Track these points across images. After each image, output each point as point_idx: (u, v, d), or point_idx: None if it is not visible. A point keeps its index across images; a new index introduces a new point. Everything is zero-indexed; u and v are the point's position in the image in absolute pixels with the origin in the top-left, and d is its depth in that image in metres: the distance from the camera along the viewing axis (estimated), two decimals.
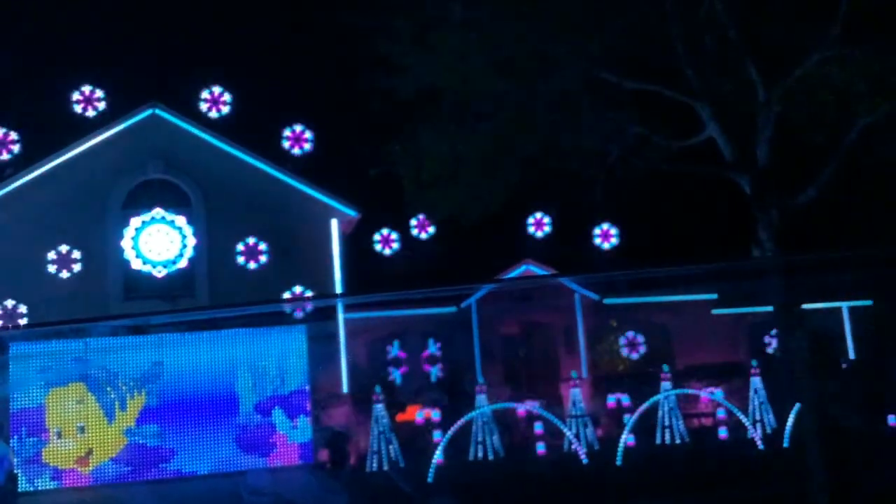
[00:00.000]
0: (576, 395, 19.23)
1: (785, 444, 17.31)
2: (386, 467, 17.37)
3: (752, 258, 12.54)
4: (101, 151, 20.77)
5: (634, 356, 23.16)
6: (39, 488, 17.35)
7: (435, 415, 18.79)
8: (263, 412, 18.49)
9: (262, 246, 20.66)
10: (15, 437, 17.37)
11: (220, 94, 21.73)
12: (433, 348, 21.86)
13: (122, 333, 18.07)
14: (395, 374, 21.38)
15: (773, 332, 22.21)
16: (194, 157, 21.00)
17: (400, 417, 19.43)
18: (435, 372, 21.58)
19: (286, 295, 20.33)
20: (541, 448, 18.29)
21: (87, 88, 21.30)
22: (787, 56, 12.25)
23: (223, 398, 18.33)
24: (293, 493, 16.07)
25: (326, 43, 20.05)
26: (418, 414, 19.17)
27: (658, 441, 18.92)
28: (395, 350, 21.79)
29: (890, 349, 20.59)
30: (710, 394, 19.43)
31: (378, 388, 18.08)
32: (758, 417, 19.29)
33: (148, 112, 21.05)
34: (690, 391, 19.83)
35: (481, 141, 12.56)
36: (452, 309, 22.22)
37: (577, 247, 23.48)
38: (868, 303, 24.48)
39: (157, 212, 20.37)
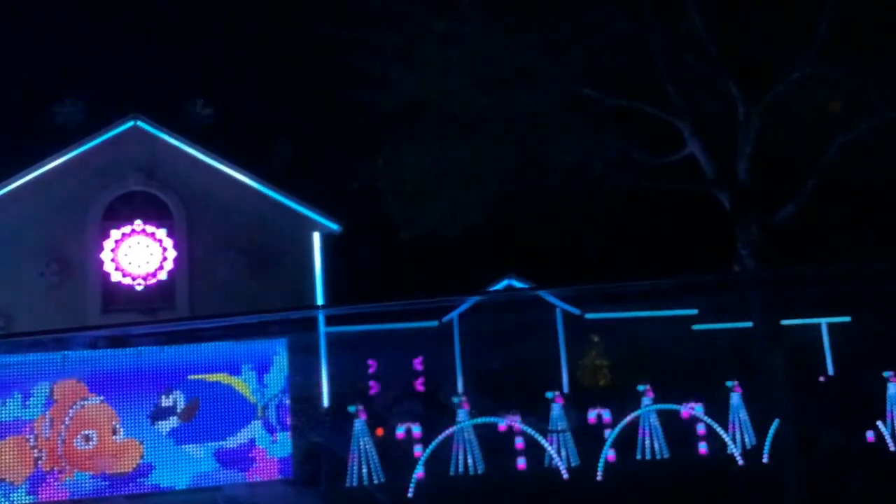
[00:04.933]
0: (556, 411, 19.23)
1: (764, 460, 17.37)
2: (366, 482, 17.29)
3: (732, 272, 12.64)
4: (82, 163, 20.63)
5: (615, 371, 23.19)
6: (15, 502, 17.15)
7: (416, 429, 18.74)
8: (243, 427, 18.36)
9: (244, 259, 20.56)
10: None
11: (203, 106, 21.66)
12: (414, 363, 21.80)
13: (102, 346, 17.92)
14: (376, 389, 21.30)
15: (753, 347, 22.29)
16: (176, 169, 20.91)
17: (380, 432, 19.35)
18: (416, 386, 21.52)
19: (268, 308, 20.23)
20: (521, 463, 18.26)
21: (67, 99, 21.18)
22: (767, 73, 12.39)
23: (203, 412, 18.21)
24: None
25: (309, 55, 20.04)
26: (399, 428, 19.10)
27: (638, 456, 18.94)
28: (375, 365, 21.72)
29: (868, 365, 20.71)
30: (691, 409, 19.46)
31: (358, 403, 18.00)
32: (738, 433, 19.35)
33: (129, 124, 20.94)
34: (671, 406, 19.86)
35: (463, 155, 12.62)
36: (434, 323, 22.20)
37: (559, 262, 23.50)
38: (847, 319, 24.66)
39: (138, 224, 20.24)
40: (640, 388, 19.50)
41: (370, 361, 21.92)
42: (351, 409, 17.84)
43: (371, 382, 21.47)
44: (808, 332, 24.28)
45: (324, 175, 21.88)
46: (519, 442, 18.41)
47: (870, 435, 19.17)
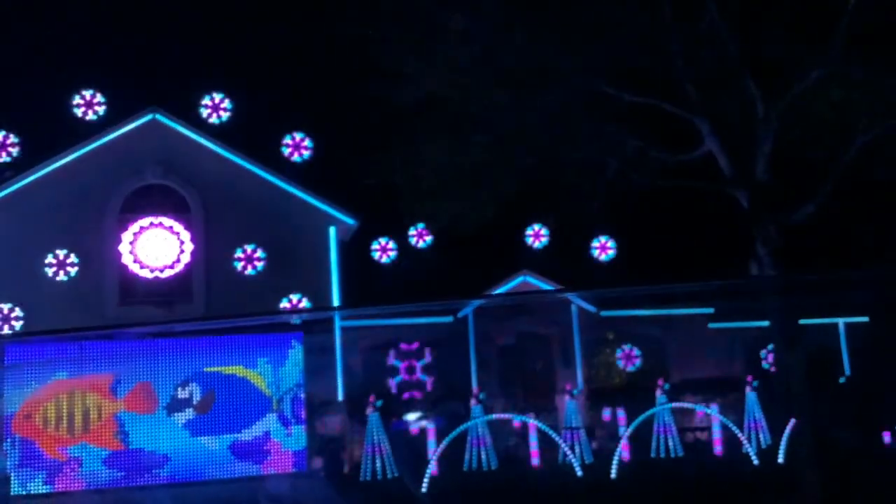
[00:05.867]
0: (571, 407, 19.20)
1: (780, 460, 17.27)
2: (380, 476, 17.33)
3: (750, 276, 12.57)
4: (101, 156, 20.75)
5: (630, 369, 23.14)
6: (32, 492, 17.30)
7: (430, 424, 18.76)
8: (258, 419, 18.45)
9: (260, 252, 20.64)
10: (8, 440, 17.34)
11: (221, 101, 21.73)
12: (429, 358, 21.82)
13: (119, 338, 18.02)
14: (391, 384, 21.35)
15: (770, 347, 22.20)
16: (194, 162, 20.99)
17: (394, 426, 19.39)
18: (430, 382, 21.55)
19: (283, 301, 20.31)
20: (535, 460, 18.26)
21: (87, 92, 21.30)
22: (787, 72, 12.30)
23: (217, 405, 18.31)
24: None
25: (327, 51, 20.07)
26: (413, 423, 19.15)
27: (652, 455, 18.88)
28: (390, 359, 21.75)
29: (885, 366, 20.57)
30: (706, 408, 19.40)
31: (373, 397, 18.05)
32: (753, 432, 19.26)
33: (148, 117, 21.04)
34: (686, 405, 19.81)
35: (479, 152, 12.60)
36: (449, 319, 22.19)
37: (575, 259, 23.47)
38: (864, 319, 24.48)
39: (156, 217, 20.35)
40: (656, 385, 19.46)
41: (384, 356, 21.94)
42: (371, 398, 17.87)
43: (385, 377, 21.48)
44: (826, 332, 24.14)
45: (341, 170, 21.92)
46: (533, 438, 18.40)
47: (886, 436, 19.06)
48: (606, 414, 20.46)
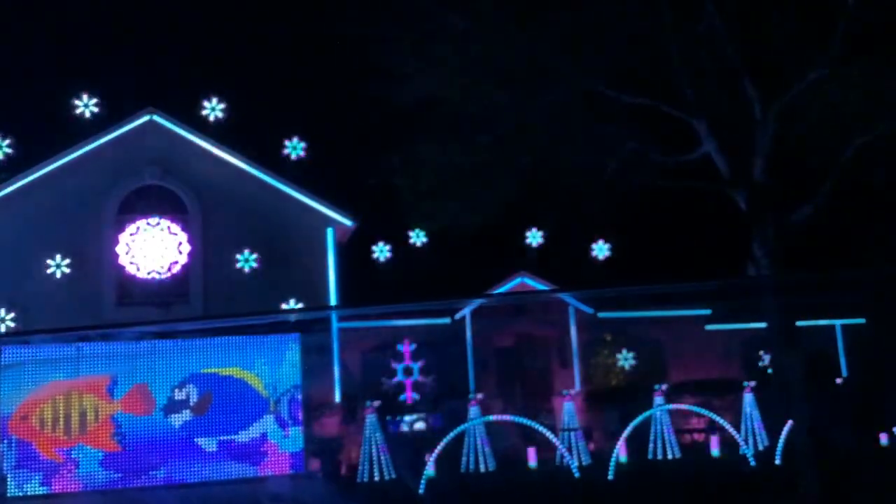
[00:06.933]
0: (568, 409, 19.20)
1: (777, 461, 17.29)
2: (377, 478, 17.32)
3: (747, 276, 12.60)
4: (98, 157, 20.73)
5: (627, 370, 23.16)
6: (29, 493, 17.25)
7: (427, 426, 18.75)
8: (255, 421, 18.42)
9: (258, 253, 20.62)
10: (5, 441, 17.30)
11: (218, 102, 21.71)
12: (426, 359, 21.79)
13: (116, 339, 17.99)
14: (388, 385, 21.33)
15: (767, 348, 22.23)
16: (191, 163, 20.97)
17: (392, 428, 19.37)
18: (428, 383, 21.53)
19: (281, 303, 20.28)
20: (532, 461, 18.25)
21: (84, 93, 21.27)
22: (785, 74, 12.34)
23: (214, 406, 18.28)
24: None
25: (327, 51, 20.10)
26: (411, 424, 19.13)
27: (650, 456, 18.90)
28: (388, 361, 21.73)
29: (882, 367, 20.60)
30: (703, 409, 19.40)
31: (370, 399, 18.04)
32: (750, 434, 19.29)
33: (145, 118, 21.03)
34: (683, 406, 19.82)
35: (479, 153, 12.61)
36: (446, 320, 22.19)
37: (572, 260, 23.48)
38: (861, 321, 24.53)
39: (153, 218, 20.33)
40: (653, 386, 19.48)
41: (382, 358, 21.92)
42: (368, 399, 17.83)
43: (383, 378, 21.46)
44: (823, 334, 24.19)
45: (339, 171, 21.93)
46: (530, 440, 18.38)
47: (883, 437, 19.09)
48: (604, 415, 20.47)
